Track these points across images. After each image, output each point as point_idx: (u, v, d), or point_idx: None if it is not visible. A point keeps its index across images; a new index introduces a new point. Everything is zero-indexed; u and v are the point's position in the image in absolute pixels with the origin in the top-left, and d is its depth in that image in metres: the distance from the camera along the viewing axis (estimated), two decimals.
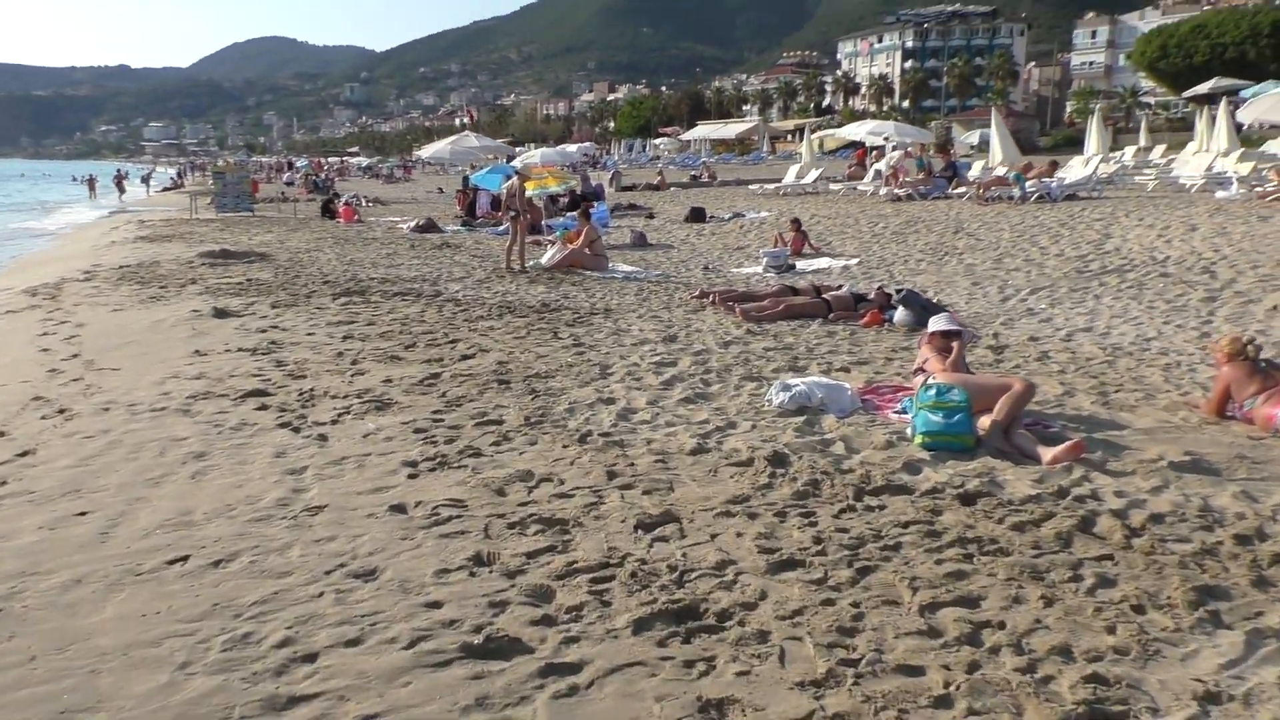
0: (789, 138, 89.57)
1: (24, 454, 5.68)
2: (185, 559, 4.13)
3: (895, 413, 6.32)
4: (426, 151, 28.48)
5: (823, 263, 15.02)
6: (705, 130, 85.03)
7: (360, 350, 8.52)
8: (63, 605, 3.73)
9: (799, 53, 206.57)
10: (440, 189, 48.68)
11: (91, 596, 3.80)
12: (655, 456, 5.48)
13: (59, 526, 4.56)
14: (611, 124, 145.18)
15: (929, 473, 5.12)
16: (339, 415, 6.45)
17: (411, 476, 5.20)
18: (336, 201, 28.80)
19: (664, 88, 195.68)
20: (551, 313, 10.58)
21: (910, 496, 4.77)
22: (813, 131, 38.65)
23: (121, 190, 55.23)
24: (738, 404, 6.64)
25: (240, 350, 8.55)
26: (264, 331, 9.49)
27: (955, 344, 6.52)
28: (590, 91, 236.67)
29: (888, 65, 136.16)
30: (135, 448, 5.77)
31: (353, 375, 7.60)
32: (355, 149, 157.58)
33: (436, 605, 3.66)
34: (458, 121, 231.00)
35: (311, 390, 7.09)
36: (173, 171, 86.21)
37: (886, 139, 32.45)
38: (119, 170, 62.97)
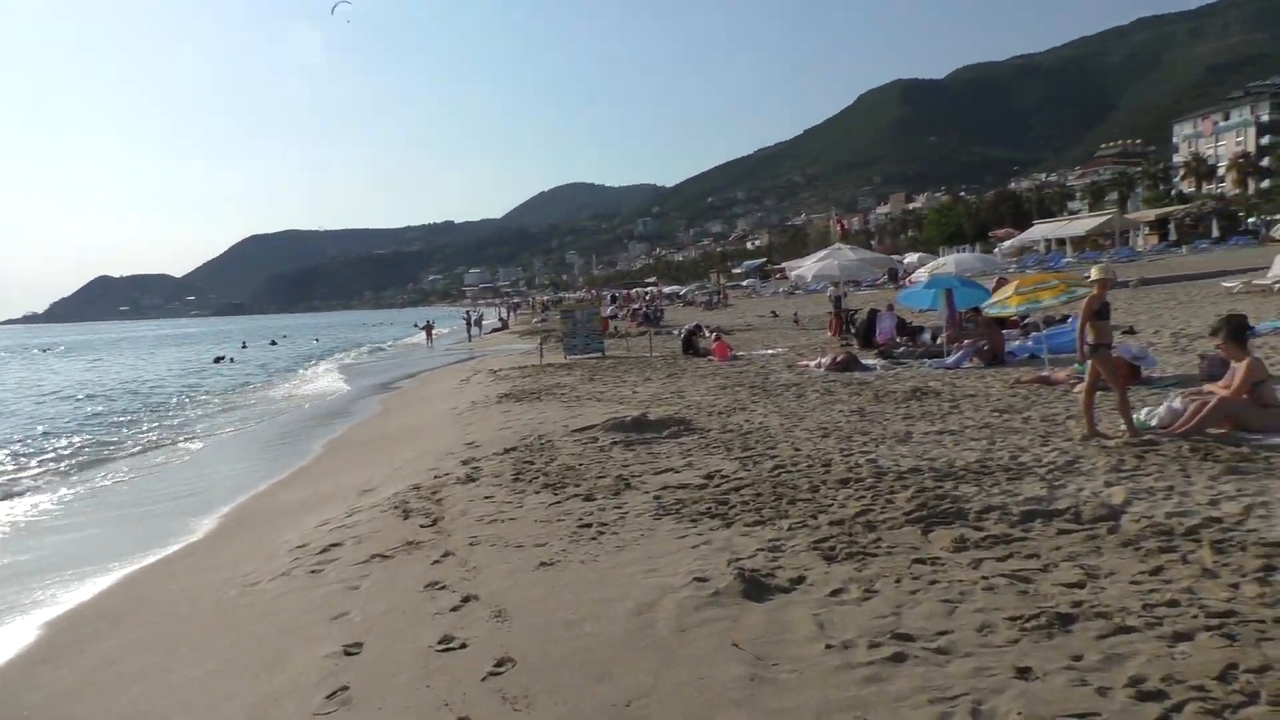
0: (1146, 229, 78.68)
1: None
2: None
3: None
4: (809, 271, 23.61)
5: None
6: (1046, 230, 75.90)
7: None
8: None
9: (1118, 143, 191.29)
10: (774, 312, 44.36)
11: None
12: None
13: None
14: (913, 233, 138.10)
15: None
16: None
17: None
18: (700, 335, 24.54)
19: (962, 193, 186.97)
20: None
21: None
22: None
23: (470, 333, 56.16)
24: None
25: None
26: (876, 660, 4.17)
27: None
28: (884, 204, 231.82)
29: (1238, 143, 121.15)
30: None
31: None
32: (653, 279, 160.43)
33: None
34: (749, 244, 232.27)
35: None
36: (501, 311, 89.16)
37: None
38: (467, 313, 64.80)
